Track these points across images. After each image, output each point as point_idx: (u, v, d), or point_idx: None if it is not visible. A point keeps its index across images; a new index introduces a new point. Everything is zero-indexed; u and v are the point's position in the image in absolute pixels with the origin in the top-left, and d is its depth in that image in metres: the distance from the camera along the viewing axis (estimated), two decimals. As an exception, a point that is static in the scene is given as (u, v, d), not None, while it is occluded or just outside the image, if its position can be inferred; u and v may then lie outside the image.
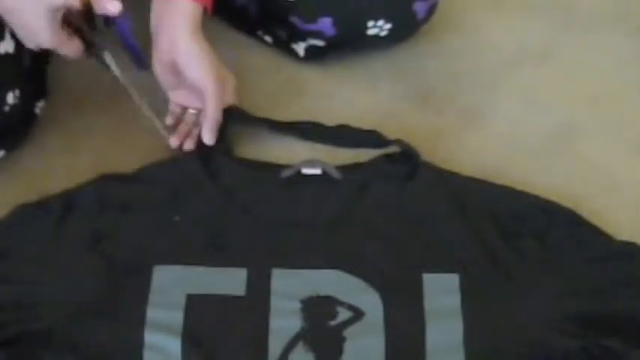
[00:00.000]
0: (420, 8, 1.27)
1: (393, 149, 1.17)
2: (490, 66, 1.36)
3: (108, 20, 1.24)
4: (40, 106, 1.19)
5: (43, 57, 1.18)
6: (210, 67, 1.14)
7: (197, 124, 1.18)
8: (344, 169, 1.15)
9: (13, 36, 1.10)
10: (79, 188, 1.11)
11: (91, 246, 1.06)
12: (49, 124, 1.22)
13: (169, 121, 1.20)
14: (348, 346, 1.00)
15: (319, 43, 1.29)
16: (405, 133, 1.20)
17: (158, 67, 1.16)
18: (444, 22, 1.36)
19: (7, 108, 1.12)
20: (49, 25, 1.07)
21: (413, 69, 1.34)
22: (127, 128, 1.22)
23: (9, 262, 1.05)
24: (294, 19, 1.27)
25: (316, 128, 1.21)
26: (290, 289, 1.04)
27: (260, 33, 1.35)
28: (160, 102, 1.20)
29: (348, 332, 1.01)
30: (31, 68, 1.15)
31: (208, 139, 1.15)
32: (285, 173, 1.14)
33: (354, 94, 1.31)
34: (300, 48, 1.31)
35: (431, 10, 1.30)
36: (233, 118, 1.18)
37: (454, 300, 1.04)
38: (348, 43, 1.29)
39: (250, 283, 1.04)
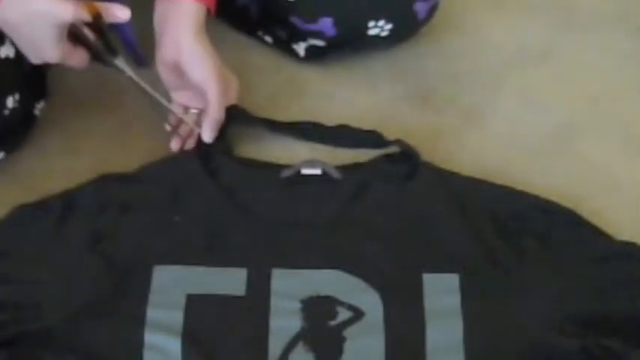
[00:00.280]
0: (420, 8, 1.27)
1: (393, 149, 1.17)
2: (490, 66, 1.36)
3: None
4: (39, 107, 1.19)
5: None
6: (213, 67, 1.14)
7: (198, 124, 1.18)
8: (344, 169, 1.15)
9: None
10: (78, 188, 1.11)
11: (91, 246, 1.06)
12: (49, 126, 1.22)
13: (171, 122, 1.20)
14: (348, 346, 1.00)
15: (320, 43, 1.29)
16: (405, 133, 1.20)
17: (161, 67, 1.16)
18: (444, 22, 1.36)
19: (6, 112, 1.12)
20: (56, 41, 1.07)
21: (413, 69, 1.34)
22: (127, 130, 1.23)
23: (9, 262, 1.05)
24: (295, 20, 1.27)
25: (316, 128, 1.21)
26: (290, 289, 1.04)
27: (260, 33, 1.35)
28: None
29: (348, 332, 1.01)
30: (31, 71, 1.15)
31: (208, 137, 1.15)
32: (285, 173, 1.14)
33: (355, 95, 1.31)
34: (300, 48, 1.31)
35: (432, 11, 1.30)
36: (234, 117, 1.18)
37: (454, 300, 1.04)
38: (348, 44, 1.30)
39: (250, 283, 1.04)
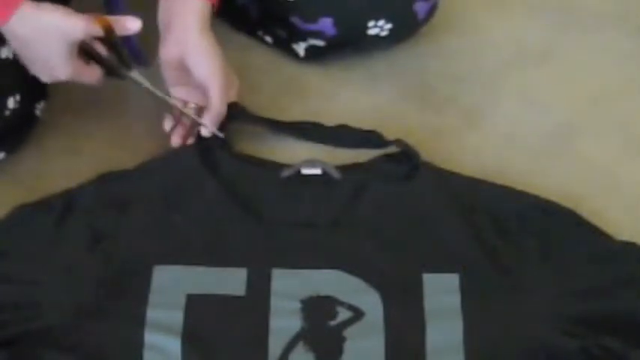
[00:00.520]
0: (420, 8, 1.27)
1: (393, 149, 1.17)
2: (490, 66, 1.36)
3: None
4: (40, 108, 1.19)
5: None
6: (218, 64, 1.14)
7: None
8: (344, 169, 1.15)
9: None
10: (78, 188, 1.11)
11: (91, 246, 1.06)
12: (50, 127, 1.22)
13: (170, 120, 1.20)
14: (348, 346, 1.00)
15: (320, 43, 1.29)
16: (405, 133, 1.20)
17: (165, 62, 1.16)
18: (444, 22, 1.36)
19: (7, 112, 1.12)
20: (67, 57, 1.08)
21: (413, 69, 1.34)
22: (128, 131, 1.22)
23: (9, 262, 1.05)
24: (295, 20, 1.27)
25: (316, 128, 1.21)
26: (290, 289, 1.04)
27: (260, 33, 1.35)
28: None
29: (348, 332, 1.01)
30: None
31: (208, 132, 1.15)
32: (285, 173, 1.14)
33: (355, 94, 1.31)
34: (300, 48, 1.31)
35: (431, 11, 1.30)
36: (234, 115, 1.18)
37: (454, 300, 1.04)
38: (348, 43, 1.30)
39: (250, 283, 1.04)
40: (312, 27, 1.27)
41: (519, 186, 1.14)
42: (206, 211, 1.10)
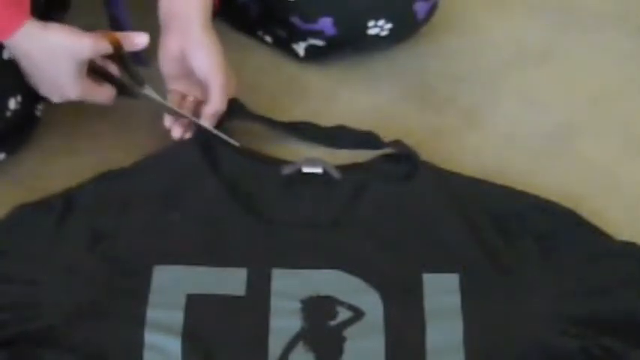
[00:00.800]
0: (420, 8, 1.27)
1: (391, 150, 1.17)
2: (490, 66, 1.36)
3: (112, 22, 1.24)
4: (40, 109, 1.19)
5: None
6: (219, 59, 1.14)
7: (196, 113, 1.18)
8: (343, 168, 1.15)
9: None
10: (78, 187, 1.11)
11: (91, 246, 1.06)
12: (50, 127, 1.21)
13: (170, 117, 1.19)
14: (348, 346, 1.00)
15: (319, 42, 1.29)
16: (405, 133, 1.20)
17: (164, 56, 1.16)
18: (444, 22, 1.36)
19: (8, 113, 1.12)
20: (75, 77, 1.09)
21: (413, 69, 1.34)
22: (128, 131, 1.22)
23: (9, 261, 1.05)
24: (295, 19, 1.27)
25: (313, 129, 1.21)
26: (290, 289, 1.04)
27: (260, 33, 1.35)
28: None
29: (348, 332, 1.01)
30: None
31: (207, 124, 1.15)
32: (286, 170, 1.14)
33: (355, 94, 1.31)
34: (300, 48, 1.31)
35: (431, 10, 1.30)
36: (234, 111, 1.18)
37: (454, 300, 1.04)
38: (348, 43, 1.30)
39: (250, 283, 1.04)
40: (312, 27, 1.27)
41: (519, 186, 1.14)
42: (206, 209, 1.10)
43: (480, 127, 1.28)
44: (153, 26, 1.17)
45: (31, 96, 1.15)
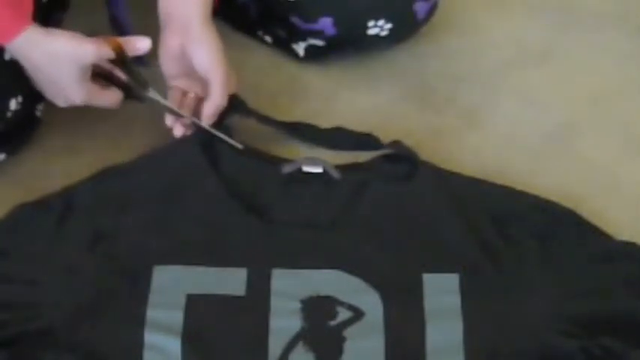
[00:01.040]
0: (420, 8, 1.27)
1: (390, 151, 1.17)
2: (490, 66, 1.36)
3: (113, 22, 1.24)
4: (40, 109, 1.19)
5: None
6: (219, 55, 1.14)
7: (196, 110, 1.17)
8: (343, 168, 1.15)
9: None
10: (78, 186, 1.11)
11: (91, 246, 1.06)
12: (50, 127, 1.21)
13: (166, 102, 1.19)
14: (348, 346, 1.00)
15: (319, 42, 1.29)
16: (405, 133, 1.20)
17: (165, 53, 1.16)
18: (444, 22, 1.36)
19: (9, 114, 1.12)
20: (79, 81, 1.09)
21: (413, 69, 1.34)
22: (128, 131, 1.22)
23: (9, 261, 1.05)
24: (295, 19, 1.27)
25: (312, 130, 1.21)
26: (290, 289, 1.04)
27: (260, 33, 1.35)
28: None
29: (348, 332, 1.01)
30: None
31: (207, 119, 1.15)
32: (287, 169, 1.14)
33: (355, 95, 1.31)
34: (300, 48, 1.31)
35: (431, 10, 1.30)
36: (234, 107, 1.17)
37: (454, 300, 1.04)
38: (348, 43, 1.30)
39: (250, 283, 1.04)
40: (312, 27, 1.27)
41: (519, 186, 1.14)
42: (206, 209, 1.10)
43: (480, 127, 1.28)
44: (153, 26, 1.17)
45: (32, 96, 1.15)
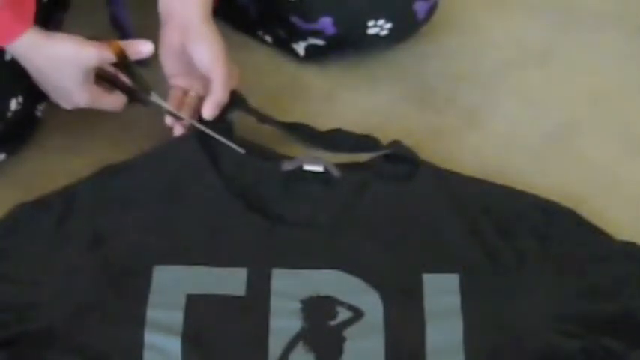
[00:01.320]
0: (420, 8, 1.27)
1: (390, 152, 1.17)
2: (490, 66, 1.36)
3: (113, 22, 1.24)
4: (41, 109, 1.19)
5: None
6: (220, 51, 1.14)
7: (197, 109, 1.17)
8: (343, 168, 1.15)
9: None
10: (78, 185, 1.11)
11: (91, 246, 1.06)
12: (50, 127, 1.21)
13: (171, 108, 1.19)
14: (348, 346, 1.00)
15: (319, 42, 1.29)
16: (405, 133, 1.20)
17: (165, 51, 1.16)
18: (444, 22, 1.36)
19: (9, 114, 1.12)
20: (82, 84, 1.10)
21: (413, 69, 1.34)
22: (128, 131, 1.22)
23: (9, 261, 1.05)
24: (295, 19, 1.27)
25: (311, 131, 1.21)
26: (290, 289, 1.04)
27: (260, 33, 1.35)
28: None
29: (348, 332, 1.01)
30: None
31: (208, 115, 1.14)
32: (287, 167, 1.14)
33: (354, 94, 1.31)
34: (300, 48, 1.31)
35: (431, 10, 1.30)
36: (235, 103, 1.17)
37: (454, 300, 1.04)
38: (348, 43, 1.30)
39: (250, 283, 1.04)
40: (312, 26, 1.27)
41: (519, 186, 1.14)
42: (206, 208, 1.10)
43: (480, 127, 1.28)
44: (153, 26, 1.17)
45: (32, 96, 1.15)
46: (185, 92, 1.19)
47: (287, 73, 1.33)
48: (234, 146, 1.15)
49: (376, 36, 1.27)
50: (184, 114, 1.17)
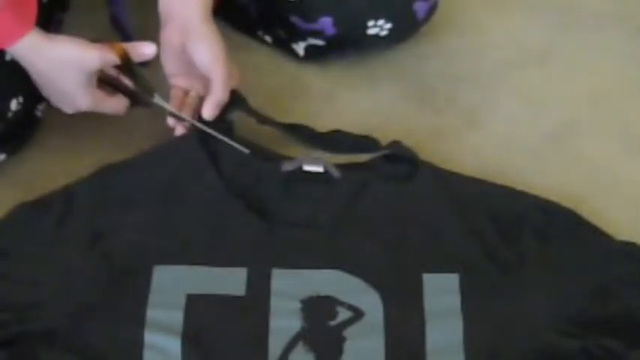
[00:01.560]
0: (420, 8, 1.27)
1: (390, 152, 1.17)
2: (490, 66, 1.36)
3: (114, 21, 1.24)
4: (41, 109, 1.19)
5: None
6: (220, 51, 1.14)
7: (198, 110, 1.17)
8: (343, 168, 1.15)
9: None
10: (78, 184, 1.11)
11: (91, 245, 1.06)
12: (50, 127, 1.21)
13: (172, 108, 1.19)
14: (348, 346, 1.00)
15: (319, 42, 1.29)
16: (405, 133, 1.20)
17: (165, 50, 1.16)
18: (444, 22, 1.36)
19: (10, 114, 1.12)
20: (84, 87, 1.10)
21: (413, 69, 1.34)
22: (128, 131, 1.22)
23: (9, 261, 1.05)
24: (295, 19, 1.27)
25: (310, 132, 1.21)
26: (290, 289, 1.04)
27: (260, 33, 1.35)
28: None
29: (348, 332, 1.01)
30: None
31: (208, 115, 1.14)
32: (287, 167, 1.14)
33: (354, 95, 1.31)
34: (300, 48, 1.31)
35: (431, 10, 1.30)
36: (236, 103, 1.17)
37: (454, 300, 1.04)
38: (348, 43, 1.30)
39: (250, 283, 1.04)
40: (312, 26, 1.27)
41: (519, 186, 1.14)
42: (206, 208, 1.10)
43: (480, 127, 1.28)
44: (153, 27, 1.17)
45: (32, 96, 1.15)
46: (186, 92, 1.19)
47: (287, 73, 1.33)
48: (238, 146, 1.15)
49: (376, 36, 1.27)
50: (185, 114, 1.17)
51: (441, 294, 1.04)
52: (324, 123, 1.22)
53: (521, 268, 1.06)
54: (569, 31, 1.41)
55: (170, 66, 1.17)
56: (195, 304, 1.02)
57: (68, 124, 1.22)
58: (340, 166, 1.15)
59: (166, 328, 1.00)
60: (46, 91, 1.13)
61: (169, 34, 1.15)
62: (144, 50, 1.12)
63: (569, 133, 1.28)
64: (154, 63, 1.17)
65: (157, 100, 1.15)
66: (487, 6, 1.44)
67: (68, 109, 1.14)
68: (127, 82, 1.14)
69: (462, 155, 1.22)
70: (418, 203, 1.11)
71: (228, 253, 1.06)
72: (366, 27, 1.26)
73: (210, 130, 1.15)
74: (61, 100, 1.13)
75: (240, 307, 1.02)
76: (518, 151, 1.25)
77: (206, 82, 1.15)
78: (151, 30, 1.17)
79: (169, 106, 1.16)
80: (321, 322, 1.02)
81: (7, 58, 1.11)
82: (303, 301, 1.03)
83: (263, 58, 1.34)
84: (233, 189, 1.11)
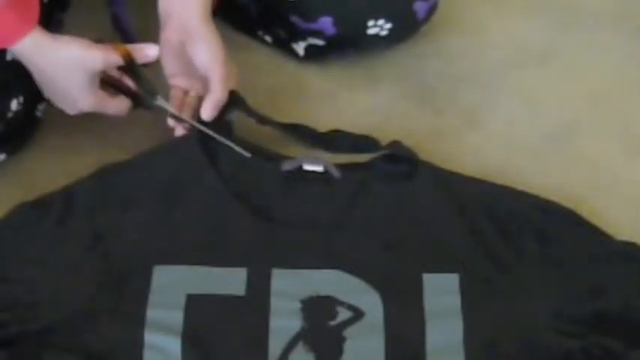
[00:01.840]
0: (420, 8, 1.27)
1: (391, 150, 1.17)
2: (490, 66, 1.36)
3: (114, 21, 1.24)
4: (41, 109, 1.19)
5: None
6: (219, 51, 1.14)
7: (197, 109, 1.17)
8: (343, 167, 1.15)
9: None
10: (78, 184, 1.11)
11: (91, 246, 1.06)
12: (50, 126, 1.21)
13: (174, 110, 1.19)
14: (348, 346, 1.00)
15: (319, 42, 1.29)
16: (405, 133, 1.20)
17: (165, 50, 1.15)
18: (444, 22, 1.36)
19: (10, 114, 1.12)
20: (87, 88, 1.09)
21: (413, 69, 1.34)
22: (128, 131, 1.22)
23: (9, 261, 1.05)
24: (295, 19, 1.27)
25: (310, 132, 1.21)
26: (290, 289, 1.04)
27: (260, 33, 1.35)
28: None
29: (348, 332, 1.01)
30: None
31: (207, 115, 1.14)
32: (287, 166, 1.14)
33: (354, 94, 1.31)
34: (299, 47, 1.31)
35: (431, 10, 1.30)
36: (235, 103, 1.17)
37: (454, 300, 1.04)
38: (348, 43, 1.30)
39: (250, 283, 1.04)
40: (312, 26, 1.27)
41: (519, 186, 1.14)
42: (206, 209, 1.10)
43: (480, 127, 1.28)
44: (153, 27, 1.17)
45: (33, 96, 1.15)
46: (185, 92, 1.19)
47: (287, 73, 1.33)
48: (238, 149, 1.14)
49: (376, 36, 1.27)
50: (185, 114, 1.17)
51: (441, 294, 1.04)
52: (324, 123, 1.22)
53: (522, 268, 1.06)
54: (569, 31, 1.41)
55: (170, 66, 1.17)
56: (195, 304, 1.02)
57: (68, 124, 1.22)
58: (340, 166, 1.15)
59: (166, 328, 1.00)
60: (48, 92, 1.12)
61: (169, 34, 1.15)
62: (147, 52, 1.12)
63: (569, 133, 1.28)
64: (154, 64, 1.17)
65: (160, 102, 1.15)
66: (487, 6, 1.44)
67: (70, 110, 1.14)
68: (129, 83, 1.14)
69: (462, 155, 1.22)
70: (418, 203, 1.11)
71: (228, 253, 1.06)
72: (366, 27, 1.26)
73: (210, 132, 1.15)
74: (63, 101, 1.13)
75: (240, 307, 1.02)
76: (518, 151, 1.25)
77: (205, 82, 1.15)
78: (150, 30, 1.17)
79: (172, 109, 1.16)
80: (321, 322, 1.02)
81: (8, 58, 1.11)
82: (303, 301, 1.03)
83: (263, 58, 1.34)
84: (233, 189, 1.11)
